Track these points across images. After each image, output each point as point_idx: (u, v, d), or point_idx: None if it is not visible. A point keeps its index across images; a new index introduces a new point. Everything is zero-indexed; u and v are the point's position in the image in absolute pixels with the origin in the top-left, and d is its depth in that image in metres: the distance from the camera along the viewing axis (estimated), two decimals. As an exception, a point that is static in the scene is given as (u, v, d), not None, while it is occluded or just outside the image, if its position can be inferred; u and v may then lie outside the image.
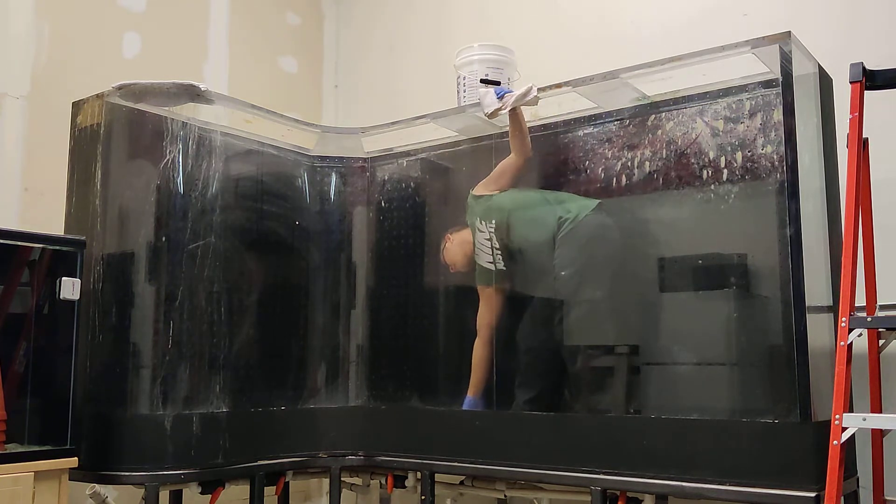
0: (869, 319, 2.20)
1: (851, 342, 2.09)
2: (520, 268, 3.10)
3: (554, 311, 2.97)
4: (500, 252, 3.08)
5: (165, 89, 2.88)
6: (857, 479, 2.48)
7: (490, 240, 3.09)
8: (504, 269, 3.09)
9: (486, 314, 3.09)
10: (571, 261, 2.94)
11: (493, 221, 3.08)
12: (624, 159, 2.87)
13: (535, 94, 2.84)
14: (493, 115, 2.93)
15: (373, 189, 3.54)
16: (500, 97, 2.89)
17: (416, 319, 3.37)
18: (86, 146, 2.90)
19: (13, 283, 2.67)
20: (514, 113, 2.92)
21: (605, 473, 2.54)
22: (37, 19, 3.36)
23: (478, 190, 3.13)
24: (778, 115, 2.46)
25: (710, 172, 2.66)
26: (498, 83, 3.19)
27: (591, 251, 2.94)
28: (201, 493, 2.89)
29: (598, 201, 2.92)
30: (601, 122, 2.95)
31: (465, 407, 3.06)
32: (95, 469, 2.70)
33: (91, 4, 3.58)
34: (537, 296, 3.07)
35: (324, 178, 3.55)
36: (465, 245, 3.19)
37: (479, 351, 3.06)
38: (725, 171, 2.62)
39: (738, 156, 2.60)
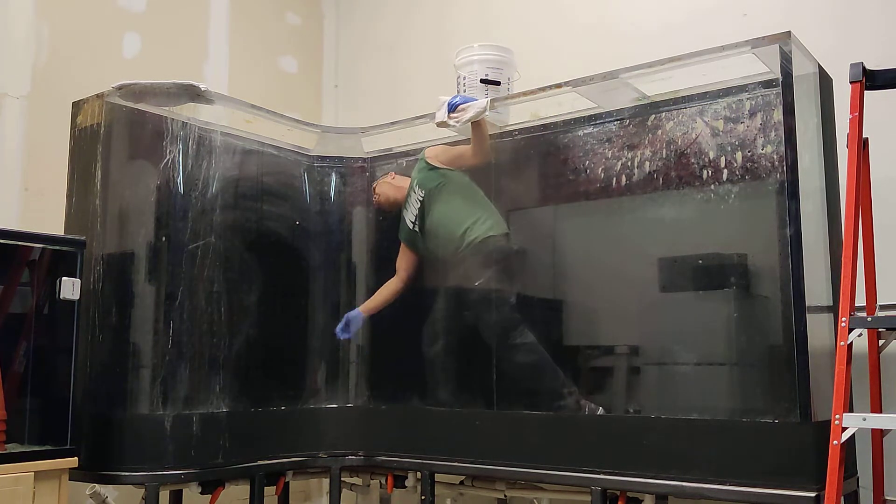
0: (869, 319, 2.20)
1: (851, 342, 2.08)
2: (430, 252, 3.27)
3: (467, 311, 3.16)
4: (420, 221, 3.22)
5: (165, 89, 2.88)
6: (857, 479, 2.48)
7: (418, 204, 3.22)
8: (419, 235, 3.25)
9: (402, 262, 3.33)
10: (477, 276, 3.11)
11: (423, 195, 3.20)
12: (624, 159, 2.87)
13: (487, 112, 2.95)
14: (441, 125, 3.03)
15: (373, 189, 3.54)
16: (453, 108, 2.97)
17: (416, 319, 3.36)
18: (86, 146, 2.90)
19: (13, 283, 2.67)
20: (475, 125, 3.00)
21: (605, 473, 2.54)
22: (37, 19, 3.36)
23: (431, 153, 3.24)
24: (778, 115, 2.46)
25: (709, 172, 2.66)
26: (498, 83, 3.19)
27: (487, 271, 3.09)
28: (201, 493, 2.89)
29: (504, 233, 3.09)
30: (601, 122, 2.95)
31: (347, 315, 3.31)
32: (95, 469, 2.70)
33: (91, 4, 3.58)
34: (442, 287, 3.27)
35: (324, 178, 3.55)
36: (400, 190, 3.35)
37: (390, 285, 3.34)
38: (725, 171, 2.62)
39: (738, 156, 2.59)
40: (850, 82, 2.29)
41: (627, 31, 3.50)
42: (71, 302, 2.61)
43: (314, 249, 3.48)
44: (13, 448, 2.45)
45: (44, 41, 3.37)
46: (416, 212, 3.24)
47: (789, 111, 2.39)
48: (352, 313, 3.33)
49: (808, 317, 2.29)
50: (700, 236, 2.73)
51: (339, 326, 3.32)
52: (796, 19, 2.90)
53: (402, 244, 3.33)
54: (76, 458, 2.50)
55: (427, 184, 3.21)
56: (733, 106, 2.63)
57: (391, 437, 3.12)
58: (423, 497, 2.96)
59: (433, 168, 3.21)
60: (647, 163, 2.81)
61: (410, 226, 3.27)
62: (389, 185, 3.40)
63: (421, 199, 3.22)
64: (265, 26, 4.35)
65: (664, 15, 3.42)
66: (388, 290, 3.33)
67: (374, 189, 3.46)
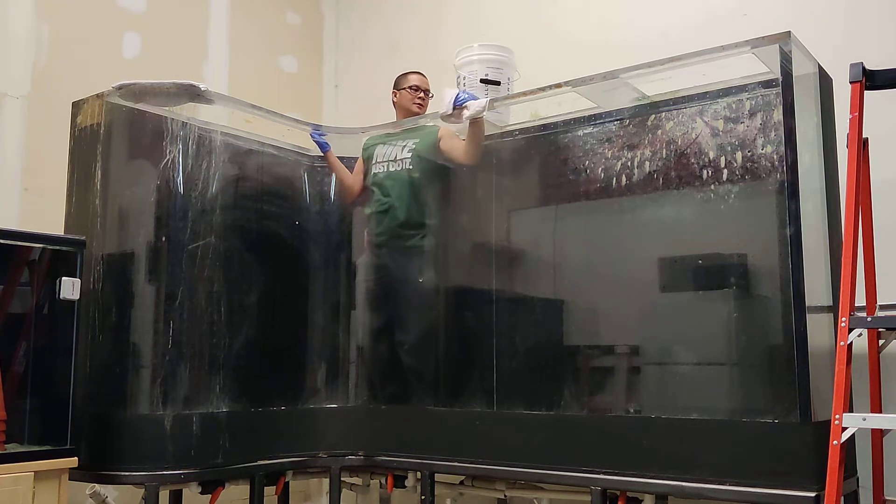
0: (869, 319, 2.20)
1: (851, 342, 2.08)
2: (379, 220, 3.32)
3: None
4: (389, 168, 3.30)
5: (165, 89, 2.88)
6: (857, 479, 2.48)
7: (403, 161, 3.27)
8: (377, 184, 3.32)
9: (349, 180, 3.47)
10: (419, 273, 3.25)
11: (410, 167, 3.25)
12: (624, 159, 2.87)
13: (486, 112, 2.98)
14: (446, 118, 3.05)
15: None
16: (457, 104, 2.99)
17: (416, 319, 3.36)
18: (86, 146, 2.90)
19: (13, 283, 2.67)
20: (473, 124, 3.02)
21: (605, 473, 2.54)
22: (37, 20, 3.36)
23: (442, 131, 3.23)
24: (778, 115, 2.46)
25: (709, 172, 2.66)
26: (498, 83, 3.19)
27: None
28: (201, 493, 2.89)
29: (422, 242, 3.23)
30: (601, 122, 2.95)
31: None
32: (95, 469, 2.70)
33: (91, 5, 3.58)
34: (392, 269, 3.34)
35: (324, 178, 3.55)
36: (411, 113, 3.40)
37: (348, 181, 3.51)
38: (725, 171, 2.62)
39: (738, 156, 2.59)
40: (850, 82, 2.29)
41: (627, 31, 3.50)
42: (71, 302, 2.61)
43: (314, 249, 3.48)
44: (13, 448, 2.45)
45: (44, 41, 3.38)
46: (393, 159, 3.29)
47: (789, 111, 2.39)
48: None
49: (808, 317, 2.28)
50: (700, 236, 2.73)
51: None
52: (796, 19, 2.90)
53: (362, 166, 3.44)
54: (76, 458, 2.50)
55: (415, 157, 3.25)
56: (733, 106, 2.62)
57: (391, 437, 3.12)
58: (423, 497, 2.96)
59: (435, 148, 3.24)
60: (647, 163, 2.81)
61: (379, 168, 3.32)
62: (425, 103, 3.42)
63: (405, 163, 3.25)
64: (265, 26, 4.35)
65: (664, 15, 3.41)
66: (347, 177, 3.48)
67: (419, 83, 3.44)
